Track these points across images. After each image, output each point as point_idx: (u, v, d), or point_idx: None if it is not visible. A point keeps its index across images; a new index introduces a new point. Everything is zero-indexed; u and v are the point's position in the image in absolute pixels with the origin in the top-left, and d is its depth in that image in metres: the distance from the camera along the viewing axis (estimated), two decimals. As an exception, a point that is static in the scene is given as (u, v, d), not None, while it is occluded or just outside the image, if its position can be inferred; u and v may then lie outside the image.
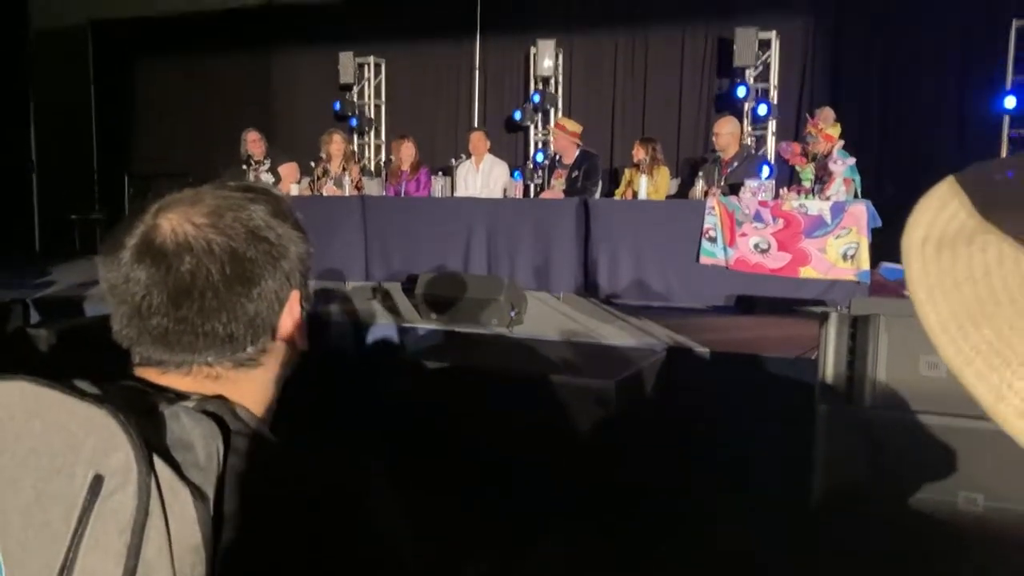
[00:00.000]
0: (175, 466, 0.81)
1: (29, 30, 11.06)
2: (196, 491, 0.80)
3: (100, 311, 5.70)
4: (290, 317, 0.96)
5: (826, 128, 6.33)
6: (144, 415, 0.84)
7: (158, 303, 0.90)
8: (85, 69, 11.71)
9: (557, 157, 7.49)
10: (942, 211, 0.51)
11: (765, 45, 8.51)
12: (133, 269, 0.90)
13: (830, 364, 3.68)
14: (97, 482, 0.78)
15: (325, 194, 7.58)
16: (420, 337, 5.47)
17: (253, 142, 8.17)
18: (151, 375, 0.93)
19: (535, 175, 8.33)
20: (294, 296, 0.96)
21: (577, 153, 7.30)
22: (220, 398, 0.90)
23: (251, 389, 0.95)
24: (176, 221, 0.91)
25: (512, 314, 5.51)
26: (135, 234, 0.92)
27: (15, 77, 10.83)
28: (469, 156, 7.77)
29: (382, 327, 5.65)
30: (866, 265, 5.89)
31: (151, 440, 0.80)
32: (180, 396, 0.89)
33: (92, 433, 0.79)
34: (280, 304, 0.95)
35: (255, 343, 0.94)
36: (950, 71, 8.10)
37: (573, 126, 7.46)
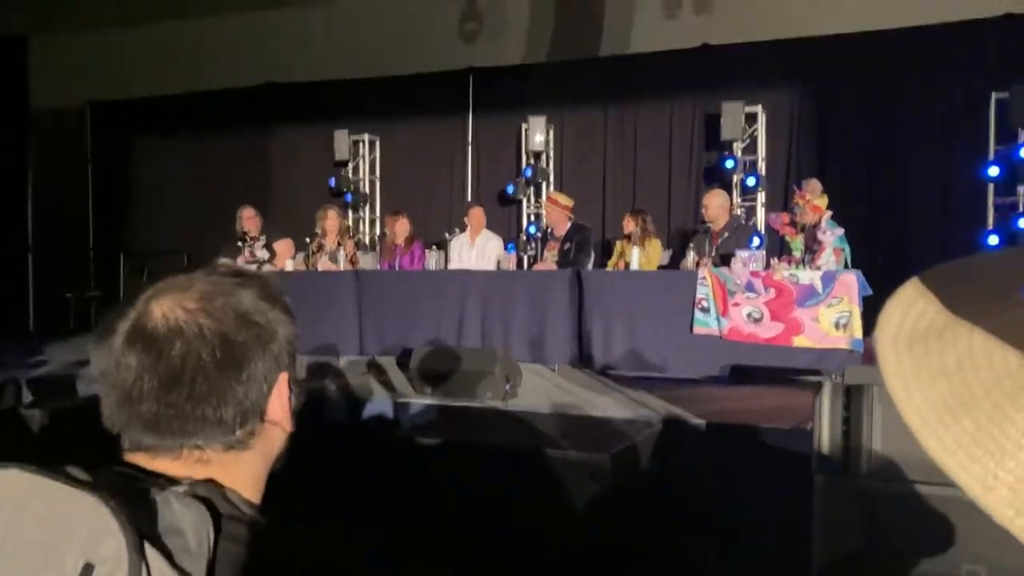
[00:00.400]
0: (166, 553, 0.81)
1: (29, 111, 11.22)
2: None
3: (93, 391, 5.65)
4: (279, 399, 0.98)
5: (813, 199, 6.43)
6: (135, 501, 0.84)
7: (149, 388, 0.91)
8: (83, 149, 11.87)
9: (549, 230, 7.58)
10: (910, 309, 0.53)
11: (752, 119, 8.69)
12: (124, 355, 0.92)
13: (825, 434, 3.67)
14: (87, 571, 0.78)
15: (320, 269, 7.62)
16: (415, 412, 5.44)
17: (248, 219, 8.25)
18: (141, 460, 0.94)
19: (528, 248, 8.40)
20: (282, 378, 0.98)
21: (569, 226, 7.38)
22: (211, 482, 0.91)
23: (241, 472, 0.96)
24: (167, 306, 0.93)
25: (507, 387, 5.50)
26: (127, 320, 0.94)
27: (14, 157, 10.96)
28: (464, 230, 7.85)
29: (376, 402, 5.63)
30: (859, 333, 5.92)
31: (142, 527, 0.81)
32: (171, 481, 0.90)
33: (83, 521, 0.80)
34: (269, 387, 0.97)
35: (244, 426, 0.95)
36: (934, 141, 8.27)
37: (565, 199, 7.56)
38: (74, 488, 0.82)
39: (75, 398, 5.66)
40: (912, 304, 0.54)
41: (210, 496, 0.89)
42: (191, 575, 0.81)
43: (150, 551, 0.80)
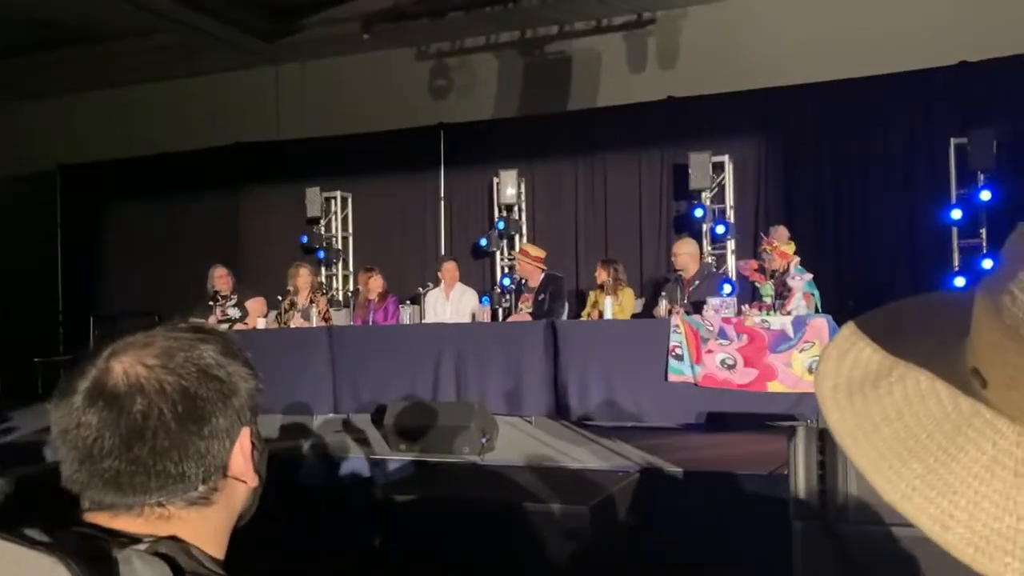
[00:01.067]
0: None
1: (-3, 176, 11.18)
2: None
3: (59, 457, 5.55)
4: (241, 454, 0.97)
5: (780, 245, 6.51)
6: (96, 561, 0.83)
7: (110, 445, 0.90)
8: (52, 212, 11.80)
9: (523, 281, 7.61)
10: (843, 360, 0.56)
11: (719, 168, 8.82)
12: (85, 413, 0.91)
13: (801, 479, 3.67)
14: None
15: (292, 326, 7.58)
16: (390, 469, 5.39)
17: (220, 278, 8.21)
18: (102, 519, 0.92)
19: (502, 300, 8.43)
20: (244, 433, 0.98)
21: (542, 277, 7.42)
22: (173, 539, 0.90)
23: (204, 528, 0.95)
24: (128, 363, 0.93)
25: (483, 441, 5.47)
26: (87, 378, 0.93)
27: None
28: (437, 284, 7.86)
29: (351, 460, 5.57)
30: (832, 377, 5.95)
31: None
32: (132, 539, 0.88)
33: None
34: (231, 441, 0.96)
35: (207, 481, 0.94)
36: (898, 186, 8.42)
37: (536, 251, 7.62)
38: (32, 550, 0.81)
39: (42, 465, 5.55)
40: (844, 353, 0.56)
41: (172, 553, 0.88)
42: (154, 634, 0.80)
43: (111, 611, 0.79)
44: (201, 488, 0.94)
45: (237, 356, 1.00)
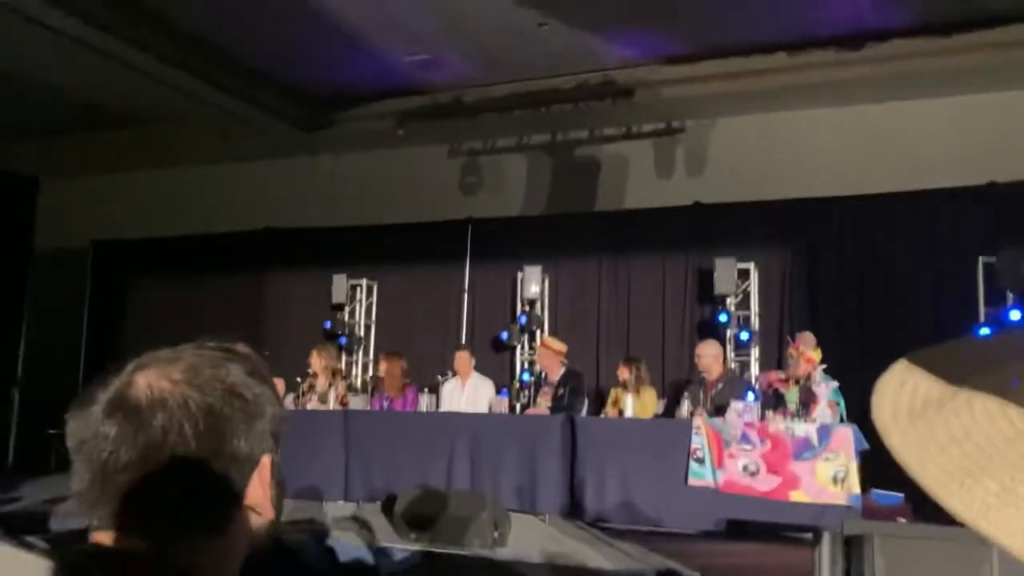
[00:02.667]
0: None
1: (32, 248, 11.38)
2: None
3: (64, 526, 5.47)
4: (260, 483, 0.93)
5: (807, 351, 6.45)
6: None
7: (126, 460, 0.87)
8: (82, 287, 11.95)
9: (543, 376, 7.55)
10: (902, 388, 0.54)
11: (744, 275, 8.83)
12: (103, 425, 0.88)
13: (826, 588, 3.53)
14: None
15: (309, 408, 7.53)
16: (398, 559, 5.24)
17: (241, 356, 8.21)
18: (108, 539, 0.88)
19: (521, 395, 8.36)
20: (265, 461, 0.93)
21: (563, 371, 7.36)
22: (174, 565, 0.86)
23: (212, 555, 0.90)
24: (152, 377, 0.90)
25: (495, 535, 5.33)
26: (108, 390, 0.90)
27: (12, 293, 11.02)
28: (455, 374, 7.81)
29: (359, 549, 5.43)
30: (857, 489, 5.80)
31: None
32: (131, 564, 0.84)
33: None
34: (251, 467, 0.92)
35: (221, 507, 0.90)
36: (924, 302, 8.37)
37: (558, 344, 7.59)
38: (31, 554, 0.77)
39: (47, 533, 5.46)
40: (903, 384, 0.55)
41: None
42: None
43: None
44: (214, 514, 0.89)
45: (265, 380, 0.97)
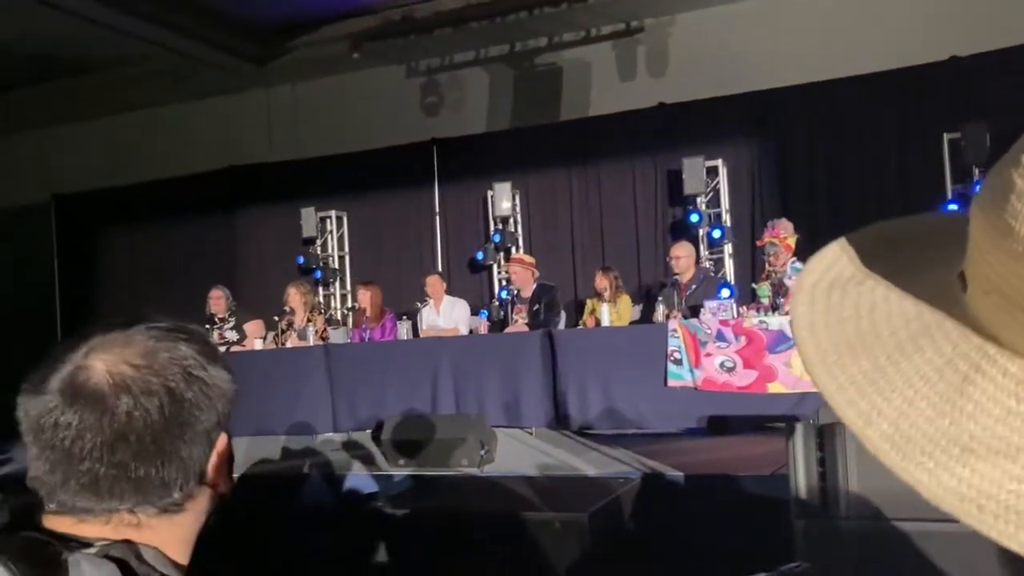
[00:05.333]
0: None
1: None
2: None
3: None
4: (218, 460, 0.94)
5: (787, 237, 6.48)
6: (43, 565, 0.80)
7: (91, 447, 0.87)
8: (48, 243, 11.80)
9: (517, 293, 7.58)
10: (835, 262, 0.54)
11: (713, 172, 8.81)
12: (64, 413, 0.87)
13: (801, 478, 3.63)
14: None
15: (289, 346, 7.56)
16: (390, 484, 5.35)
17: (215, 300, 8.20)
18: (65, 524, 0.89)
19: (500, 312, 8.41)
20: (222, 439, 0.95)
21: (535, 286, 7.39)
22: (126, 542, 0.87)
23: (172, 535, 0.91)
24: (111, 362, 0.89)
25: (482, 453, 5.43)
26: (63, 375, 0.89)
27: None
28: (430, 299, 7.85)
29: (352, 477, 5.54)
30: (832, 376, 5.91)
31: None
32: (84, 544, 0.86)
33: None
34: (211, 447, 0.93)
35: (184, 488, 0.91)
36: (893, 183, 8.41)
37: (529, 258, 7.64)
38: None
39: (37, 497, 5.52)
40: (837, 259, 0.54)
41: (124, 557, 0.85)
42: (102, 639, 0.77)
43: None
44: (177, 495, 0.90)
45: (217, 358, 0.96)
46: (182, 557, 0.93)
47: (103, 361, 0.89)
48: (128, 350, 0.90)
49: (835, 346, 0.49)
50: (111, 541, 0.87)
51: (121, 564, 0.85)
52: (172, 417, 0.89)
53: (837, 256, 0.55)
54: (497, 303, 9.10)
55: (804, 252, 6.79)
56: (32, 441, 0.90)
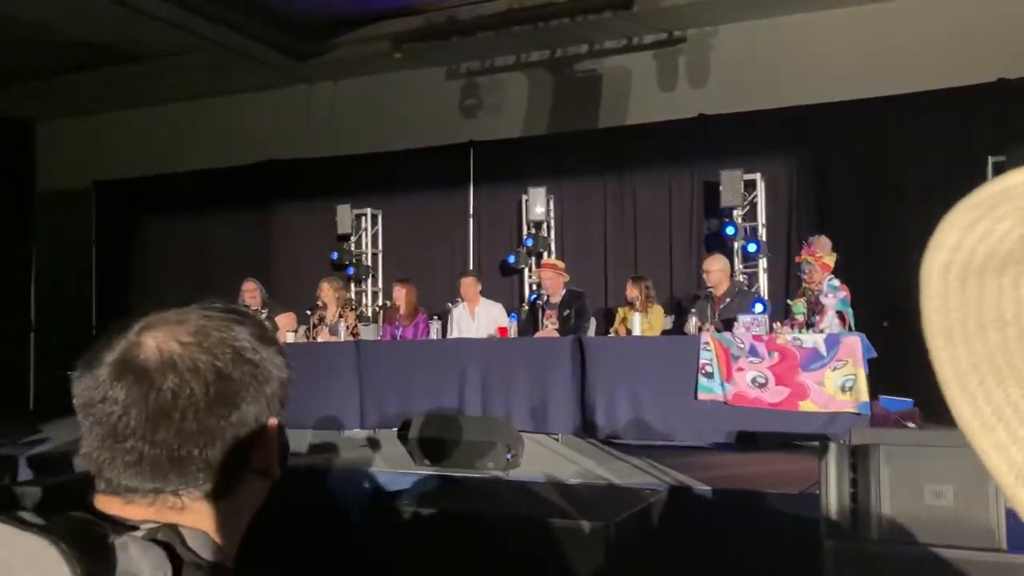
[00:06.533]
0: None
1: (34, 193, 11.39)
2: None
3: (87, 467, 5.60)
4: (266, 446, 0.93)
5: (824, 256, 6.40)
6: (90, 546, 0.80)
7: (135, 424, 0.86)
8: (88, 228, 11.98)
9: (546, 298, 7.55)
10: (971, 230, 0.42)
11: (751, 186, 8.74)
12: (112, 387, 0.87)
13: (832, 498, 3.59)
14: None
15: (320, 340, 7.60)
16: (414, 483, 5.35)
17: (249, 292, 8.27)
18: (112, 505, 0.89)
19: (528, 317, 8.39)
20: (272, 424, 0.94)
21: (564, 292, 7.37)
22: (171, 526, 0.87)
23: (217, 520, 0.90)
24: (161, 339, 0.89)
25: (508, 457, 5.41)
26: (115, 350, 0.89)
27: (19, 238, 11.06)
28: (463, 300, 7.85)
29: (377, 475, 5.54)
30: (865, 397, 5.85)
31: (96, 573, 0.77)
32: (131, 527, 0.85)
33: (32, 567, 0.76)
34: (258, 431, 0.92)
35: (228, 471, 0.90)
36: (933, 205, 8.24)
37: (560, 263, 7.64)
38: (24, 532, 0.78)
39: (71, 474, 5.59)
40: (976, 221, 0.41)
41: (170, 541, 0.85)
42: (147, 622, 0.77)
43: (104, 598, 0.76)
44: (221, 478, 0.89)
45: (272, 343, 0.95)
46: (229, 544, 0.92)
47: (154, 338, 0.89)
48: (180, 328, 0.90)
49: (975, 366, 0.40)
50: (157, 524, 0.86)
51: (167, 548, 0.84)
52: (217, 397, 0.88)
53: (972, 222, 0.42)
54: (527, 307, 9.10)
55: (839, 271, 6.72)
56: (83, 417, 0.90)
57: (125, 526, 0.86)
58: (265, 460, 0.93)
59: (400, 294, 7.94)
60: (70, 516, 0.88)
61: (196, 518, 0.89)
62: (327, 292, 7.91)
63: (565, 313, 7.20)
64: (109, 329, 0.95)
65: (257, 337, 0.93)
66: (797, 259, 6.83)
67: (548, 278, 7.54)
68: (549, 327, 7.21)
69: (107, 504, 0.89)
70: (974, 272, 0.41)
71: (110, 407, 0.87)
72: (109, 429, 0.87)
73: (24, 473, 5.89)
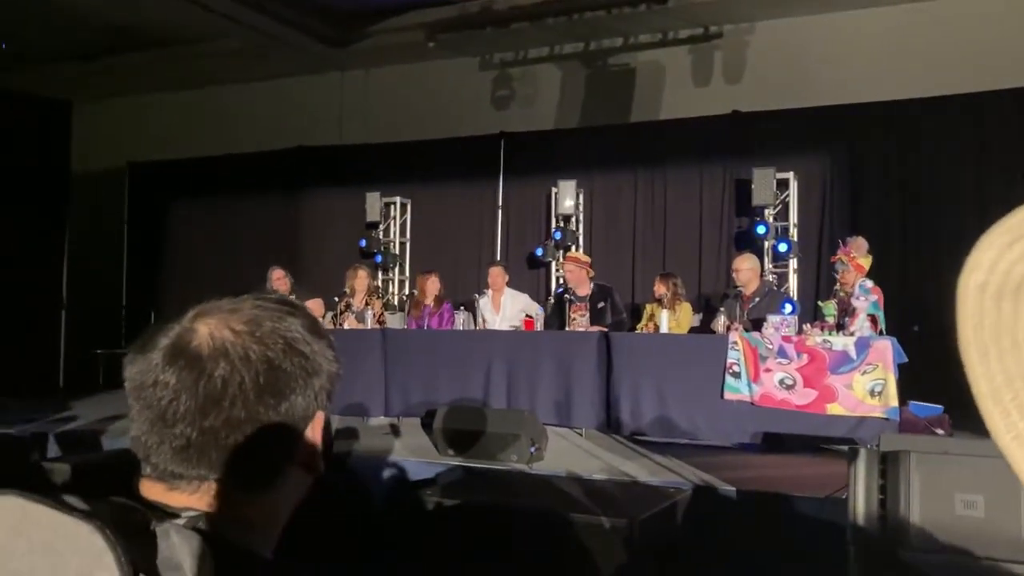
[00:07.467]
0: None
1: (69, 172, 11.52)
2: None
3: (118, 444, 5.66)
4: (312, 439, 0.93)
5: (859, 257, 6.33)
6: (133, 533, 0.80)
7: (185, 409, 0.86)
8: (120, 209, 12.11)
9: (573, 291, 7.52)
10: (1009, 249, 0.44)
11: (783, 185, 8.66)
12: (163, 372, 0.87)
13: (860, 504, 3.54)
14: None
15: (346, 327, 7.63)
16: (438, 473, 5.36)
17: (278, 279, 8.31)
18: (156, 491, 0.89)
19: (555, 311, 8.37)
20: (319, 417, 0.93)
21: (592, 286, 7.35)
22: (212, 515, 0.86)
23: (260, 511, 0.90)
24: (214, 326, 0.89)
25: (532, 450, 5.41)
26: (169, 336, 0.89)
27: (52, 216, 11.20)
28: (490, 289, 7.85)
29: (399, 463, 5.56)
30: (894, 402, 5.78)
31: (139, 559, 0.76)
32: (172, 514, 0.85)
33: (77, 551, 0.75)
34: (306, 424, 0.92)
35: (273, 462, 0.90)
36: (968, 207, 8.15)
37: (584, 256, 7.62)
38: (69, 516, 0.78)
39: (99, 452, 5.66)
40: (1015, 241, 0.44)
41: (210, 530, 0.84)
42: (187, 610, 0.77)
43: (146, 584, 0.75)
44: (266, 469, 0.89)
45: (323, 336, 0.95)
46: (269, 535, 0.92)
47: (207, 325, 0.89)
48: (233, 316, 0.90)
49: (1010, 380, 0.41)
50: (198, 513, 0.86)
51: (208, 537, 0.84)
52: (267, 386, 0.88)
53: (1010, 242, 0.44)
54: (552, 301, 9.08)
55: (872, 274, 6.64)
56: (133, 400, 0.90)
57: (166, 513, 0.86)
58: (310, 453, 0.93)
59: (424, 285, 7.96)
60: (112, 502, 0.88)
61: (238, 508, 0.88)
62: (361, 279, 7.92)
63: (600, 306, 7.16)
64: (166, 317, 0.95)
65: (309, 329, 0.93)
66: (832, 259, 6.76)
67: (571, 271, 7.51)
68: (578, 320, 7.18)
69: (150, 489, 0.89)
70: (1010, 292, 0.43)
71: (161, 392, 0.87)
72: (159, 413, 0.87)
73: (53, 450, 5.96)
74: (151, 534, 0.81)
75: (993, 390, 0.42)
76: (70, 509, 0.79)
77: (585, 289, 7.34)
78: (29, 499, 0.79)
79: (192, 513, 0.86)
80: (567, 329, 7.15)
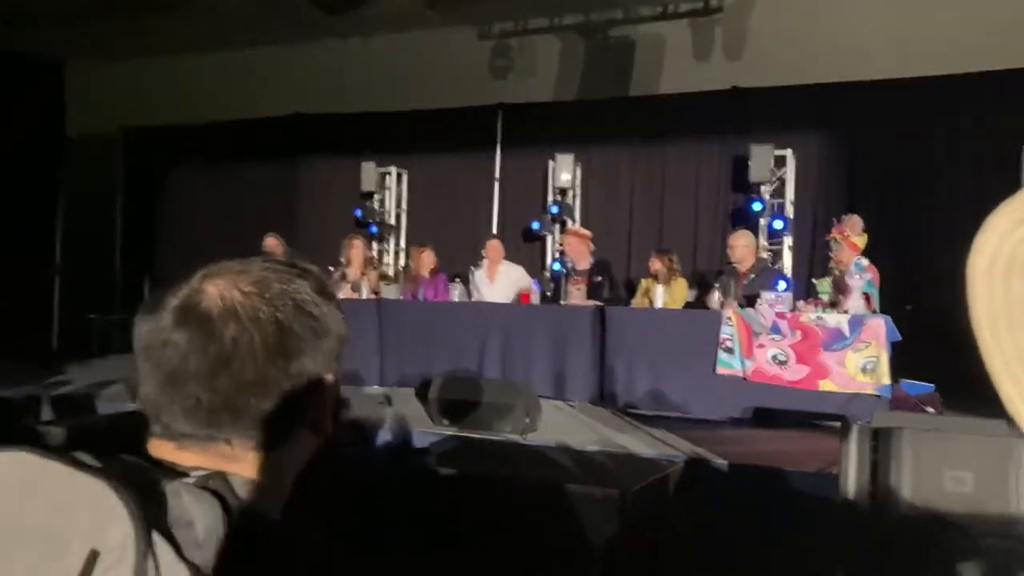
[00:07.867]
0: (175, 544, 0.77)
1: (63, 135, 11.42)
2: (195, 570, 0.76)
3: (111, 409, 5.68)
4: (321, 402, 0.93)
5: (852, 236, 6.35)
6: (144, 490, 0.80)
7: (195, 370, 0.87)
8: (115, 174, 12.04)
9: (571, 265, 7.54)
10: (1012, 233, 0.47)
11: (780, 162, 8.65)
12: (173, 332, 0.88)
13: (852, 479, 3.58)
14: (93, 557, 0.75)
15: (341, 297, 7.62)
16: (432, 443, 5.39)
17: (271, 247, 8.30)
18: (165, 450, 0.89)
19: (551, 285, 8.39)
20: (328, 379, 0.93)
21: (592, 260, 7.35)
22: (221, 474, 0.87)
23: (267, 471, 0.91)
24: (224, 287, 0.89)
25: (526, 421, 5.44)
26: (178, 297, 0.89)
27: (46, 180, 11.13)
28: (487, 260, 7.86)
29: (392, 432, 5.58)
30: (886, 379, 5.82)
31: (151, 516, 0.77)
32: (182, 473, 0.86)
33: (90, 507, 0.76)
34: (315, 385, 0.92)
35: (282, 423, 0.90)
36: (964, 188, 8.17)
37: (584, 231, 7.60)
38: (82, 473, 0.78)
39: (93, 416, 5.67)
40: (1018, 224, 0.47)
41: (220, 489, 0.85)
42: (199, 567, 0.77)
43: (158, 541, 0.76)
44: (275, 430, 0.89)
45: (332, 298, 0.95)
46: (276, 496, 0.92)
47: (216, 286, 0.89)
48: (242, 278, 0.90)
49: (1021, 355, 0.43)
50: (208, 472, 0.87)
51: (218, 496, 0.85)
52: (276, 348, 0.88)
53: (1012, 226, 0.47)
54: (548, 275, 9.08)
55: (867, 252, 6.66)
56: (143, 360, 0.90)
57: (176, 472, 0.86)
58: (319, 415, 0.93)
59: (418, 258, 7.95)
60: (124, 459, 0.89)
61: (246, 468, 0.89)
62: (356, 249, 7.91)
63: (598, 279, 7.18)
64: (174, 279, 0.95)
65: (317, 291, 0.93)
66: (827, 237, 6.78)
67: (571, 245, 7.52)
68: (575, 293, 7.19)
69: (160, 449, 0.90)
70: (1017, 270, 0.45)
71: (171, 352, 0.87)
72: (168, 374, 0.88)
73: (47, 413, 5.97)
74: (162, 492, 0.82)
75: (1005, 364, 0.44)
76: (83, 466, 0.80)
77: (584, 263, 7.35)
78: (43, 455, 0.80)
79: (201, 472, 0.86)
80: (563, 303, 7.17)
